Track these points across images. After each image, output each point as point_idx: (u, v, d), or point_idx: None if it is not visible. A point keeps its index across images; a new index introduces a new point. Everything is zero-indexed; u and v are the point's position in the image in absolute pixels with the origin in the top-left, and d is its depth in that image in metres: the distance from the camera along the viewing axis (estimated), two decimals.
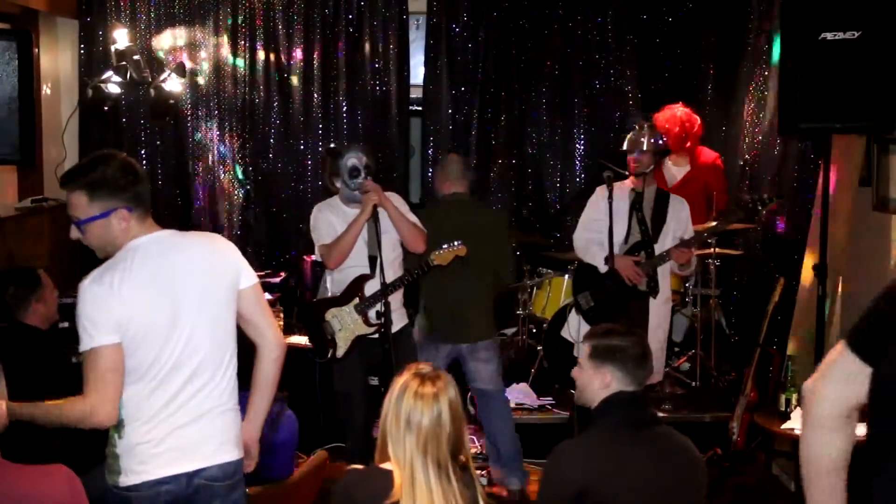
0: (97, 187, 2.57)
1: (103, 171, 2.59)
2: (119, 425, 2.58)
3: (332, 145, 4.56)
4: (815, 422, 2.03)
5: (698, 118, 6.40)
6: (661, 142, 4.91)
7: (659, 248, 4.82)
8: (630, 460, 2.64)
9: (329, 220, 4.42)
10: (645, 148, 4.84)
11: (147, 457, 2.56)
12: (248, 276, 2.79)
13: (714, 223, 5.06)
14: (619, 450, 2.67)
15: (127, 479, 2.57)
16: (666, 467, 2.68)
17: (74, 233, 2.66)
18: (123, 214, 2.59)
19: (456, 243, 4.38)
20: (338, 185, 4.42)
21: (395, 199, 4.44)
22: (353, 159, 4.31)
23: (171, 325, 2.57)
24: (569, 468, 2.64)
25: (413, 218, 4.45)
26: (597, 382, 2.81)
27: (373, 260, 4.27)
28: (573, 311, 5.23)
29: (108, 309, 2.48)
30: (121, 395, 2.53)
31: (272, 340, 2.84)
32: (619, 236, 4.77)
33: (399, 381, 2.45)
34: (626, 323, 4.47)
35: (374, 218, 4.22)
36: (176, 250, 2.65)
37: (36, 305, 3.81)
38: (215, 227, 6.90)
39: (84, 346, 2.50)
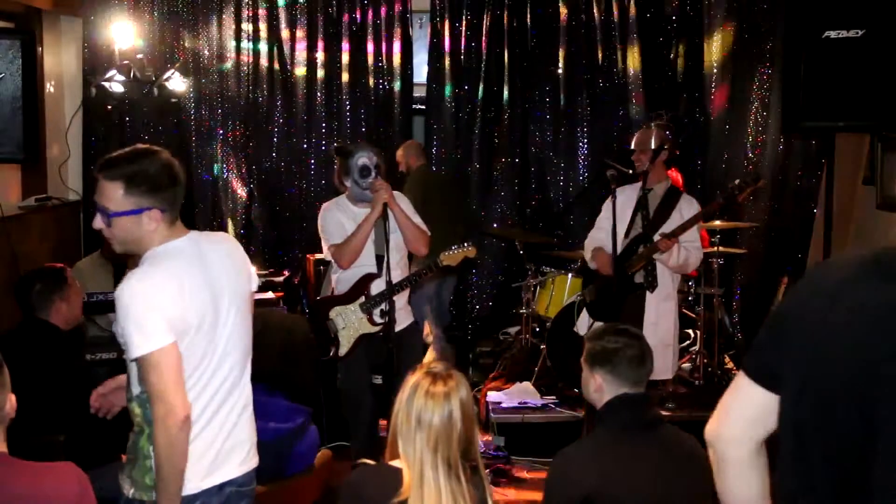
0: (135, 182, 2.42)
1: (146, 166, 2.45)
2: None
3: (340, 144, 4.56)
4: (729, 467, 1.84)
5: (679, 177, 6.38)
6: (662, 141, 4.92)
7: None
8: (636, 463, 2.63)
9: (338, 219, 4.42)
10: (651, 146, 4.89)
11: (190, 470, 2.44)
12: (255, 279, 2.76)
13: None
14: (625, 452, 2.65)
15: None
16: (671, 469, 2.67)
17: (98, 222, 2.49)
18: (156, 215, 2.45)
19: (465, 244, 4.41)
20: (347, 184, 4.42)
21: (401, 200, 4.44)
22: (363, 158, 4.31)
23: (213, 324, 2.49)
24: (575, 472, 2.63)
25: (418, 220, 4.45)
26: (591, 385, 2.81)
27: (380, 259, 4.28)
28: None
29: (155, 308, 2.34)
30: (184, 389, 2.39)
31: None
32: (621, 232, 4.82)
33: (411, 380, 2.44)
34: (623, 317, 4.55)
35: (384, 217, 4.23)
36: (209, 252, 2.57)
37: (59, 304, 3.79)
38: (218, 226, 6.92)
39: (139, 350, 2.33)
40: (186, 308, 2.40)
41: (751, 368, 1.78)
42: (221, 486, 2.53)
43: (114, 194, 2.43)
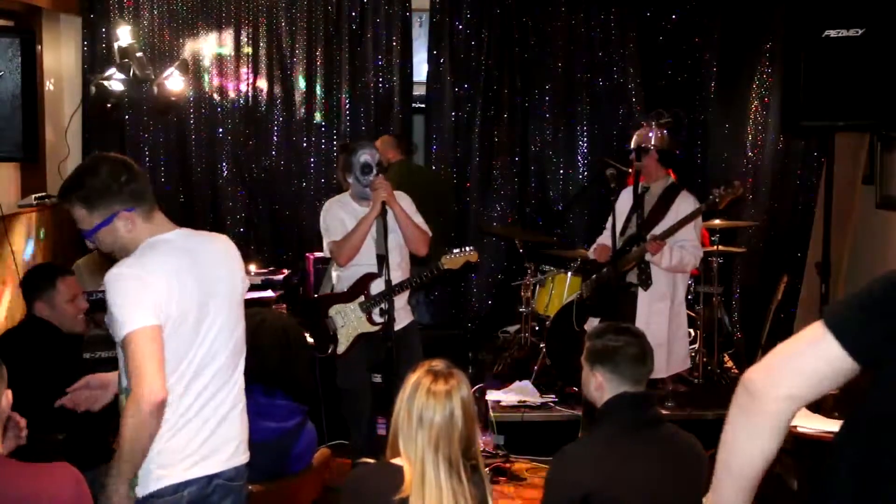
0: (91, 198, 2.53)
1: (92, 180, 2.53)
2: None
3: (344, 142, 4.58)
4: (762, 423, 1.70)
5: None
6: (650, 141, 4.96)
7: None
8: (636, 462, 2.63)
9: (339, 216, 4.42)
10: (651, 145, 4.93)
11: (172, 461, 2.50)
12: (245, 281, 2.79)
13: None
14: (625, 451, 2.65)
15: (147, 487, 2.49)
16: (672, 468, 2.67)
17: (89, 244, 2.64)
18: (125, 216, 2.54)
19: (467, 248, 4.42)
20: (349, 181, 4.43)
21: (403, 199, 4.44)
22: (365, 156, 4.33)
23: (200, 320, 2.53)
24: (574, 471, 2.63)
25: (419, 219, 4.45)
26: (591, 383, 2.80)
27: (381, 258, 4.28)
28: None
29: (143, 291, 2.40)
30: (164, 372, 2.40)
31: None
32: (618, 230, 4.86)
33: (412, 378, 2.45)
34: (616, 315, 4.58)
35: (383, 215, 4.23)
36: (199, 248, 2.62)
37: (39, 305, 3.78)
38: (217, 225, 6.91)
39: (121, 332, 2.38)
40: (171, 298, 2.45)
41: (846, 335, 1.64)
42: (210, 479, 2.56)
43: (80, 215, 2.56)
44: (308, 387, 3.96)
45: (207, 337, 2.55)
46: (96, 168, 2.56)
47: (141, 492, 2.48)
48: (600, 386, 2.77)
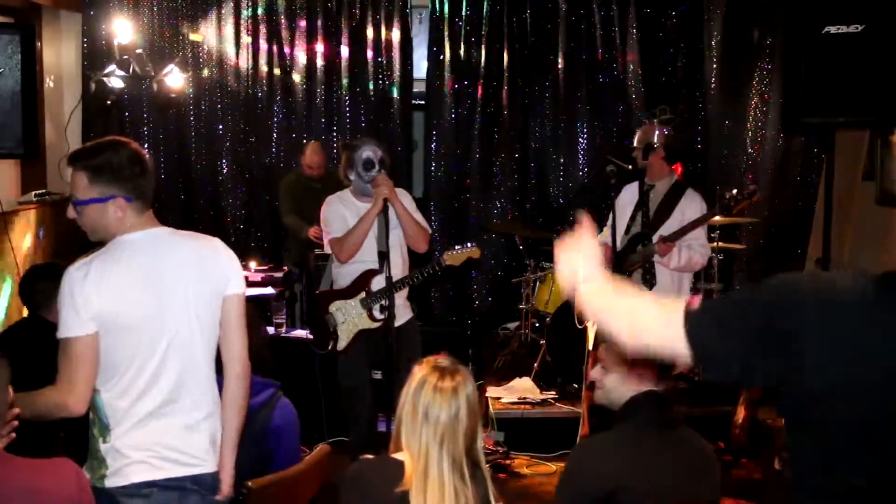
0: (100, 172, 2.53)
1: (110, 157, 2.55)
2: (104, 430, 2.53)
3: (348, 140, 4.59)
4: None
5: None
6: (664, 137, 4.92)
7: None
8: (657, 462, 2.59)
9: (341, 213, 4.42)
10: (654, 142, 4.91)
11: (136, 460, 2.51)
12: (237, 284, 2.70)
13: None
14: (647, 450, 2.59)
15: (116, 480, 2.51)
16: (687, 470, 2.64)
17: (70, 212, 2.63)
18: (121, 203, 2.54)
19: (469, 245, 4.41)
20: (351, 177, 4.43)
21: (404, 196, 4.44)
22: (367, 152, 4.33)
23: (156, 324, 2.52)
24: (602, 465, 2.58)
25: (419, 217, 4.45)
26: (634, 381, 2.73)
27: (382, 255, 4.28)
28: None
29: (87, 298, 2.44)
30: (93, 385, 2.47)
31: (237, 356, 2.71)
32: (621, 228, 4.83)
33: (417, 374, 2.44)
34: None
35: (384, 212, 4.23)
36: (168, 249, 2.60)
37: (45, 311, 3.76)
38: (217, 222, 6.91)
39: (60, 333, 2.47)
40: (116, 304, 2.47)
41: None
42: (180, 481, 2.55)
43: (80, 183, 2.56)
44: (267, 359, 3.86)
45: (165, 338, 2.54)
46: (118, 149, 2.58)
47: (110, 483, 2.51)
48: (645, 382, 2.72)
